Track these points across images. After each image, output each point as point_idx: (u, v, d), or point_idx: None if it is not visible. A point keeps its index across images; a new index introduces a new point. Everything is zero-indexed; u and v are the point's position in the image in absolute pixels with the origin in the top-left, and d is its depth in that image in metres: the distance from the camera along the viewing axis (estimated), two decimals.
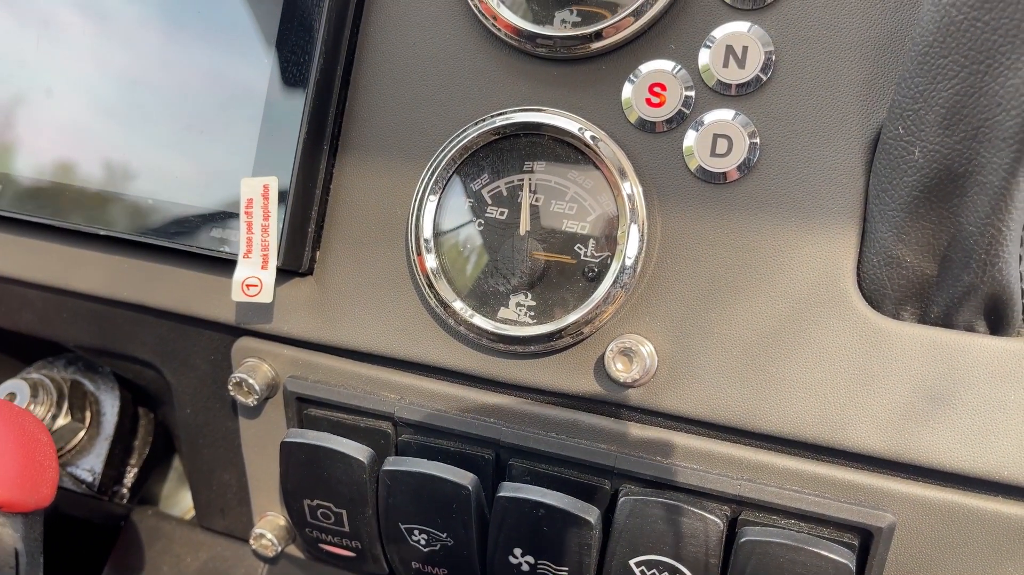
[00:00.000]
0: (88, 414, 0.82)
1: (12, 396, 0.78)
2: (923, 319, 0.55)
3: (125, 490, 0.85)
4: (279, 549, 0.74)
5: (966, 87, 0.48)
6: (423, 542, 0.64)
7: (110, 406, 0.84)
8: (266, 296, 0.63)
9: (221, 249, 0.65)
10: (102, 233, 0.68)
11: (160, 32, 0.67)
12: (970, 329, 0.54)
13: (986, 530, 0.54)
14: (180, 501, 0.97)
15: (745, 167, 0.57)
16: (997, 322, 0.53)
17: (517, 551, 0.61)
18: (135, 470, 0.86)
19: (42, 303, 0.76)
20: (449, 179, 0.62)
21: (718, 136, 0.57)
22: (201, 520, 0.83)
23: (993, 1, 0.46)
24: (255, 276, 0.63)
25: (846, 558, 0.54)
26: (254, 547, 0.74)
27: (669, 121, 0.58)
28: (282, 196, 0.63)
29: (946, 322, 0.54)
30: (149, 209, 0.67)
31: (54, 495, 0.51)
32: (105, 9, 0.69)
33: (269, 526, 0.74)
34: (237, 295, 0.63)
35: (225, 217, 0.65)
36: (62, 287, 0.73)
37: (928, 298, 0.54)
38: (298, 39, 0.63)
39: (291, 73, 0.63)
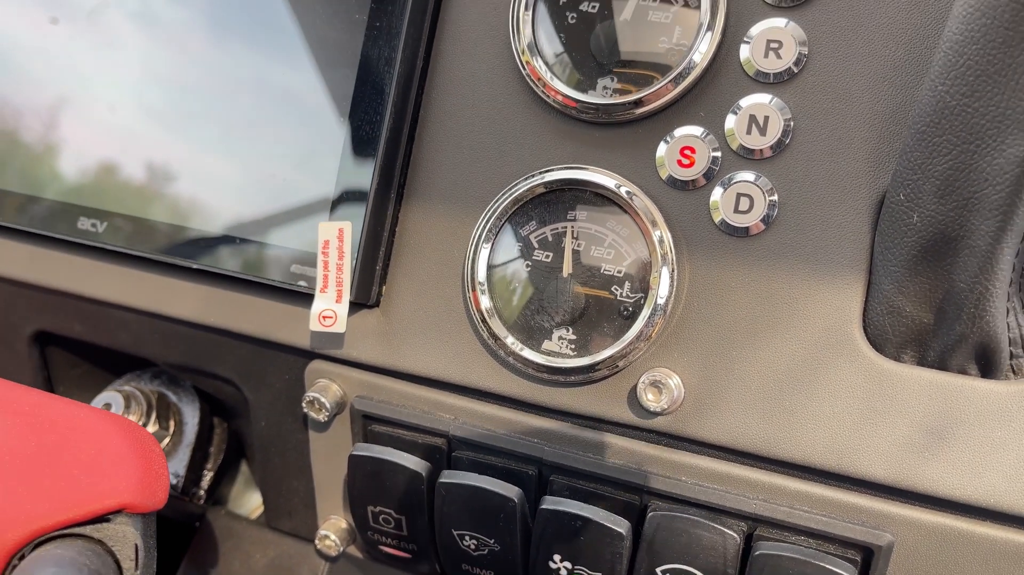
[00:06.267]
0: (172, 423, 0.89)
1: (108, 406, 0.85)
2: (921, 362, 0.60)
3: (202, 491, 0.92)
4: (341, 549, 0.80)
5: (958, 163, 0.53)
6: (472, 547, 0.71)
7: (191, 416, 0.90)
8: (340, 327, 0.71)
9: (299, 283, 0.73)
10: (195, 267, 0.77)
11: (253, 97, 0.76)
12: (963, 372, 0.59)
13: (977, 552, 0.59)
14: (247, 502, 1.04)
15: (764, 223, 0.63)
16: (987, 366, 0.59)
17: (556, 557, 0.67)
18: (211, 474, 0.93)
19: (137, 325, 0.84)
20: (501, 227, 0.69)
21: (741, 195, 0.63)
22: (270, 521, 0.90)
23: (982, 90, 0.51)
24: (330, 308, 0.71)
25: (848, 572, 0.60)
26: (318, 547, 0.81)
27: (697, 180, 0.65)
28: (354, 237, 0.71)
29: (941, 365, 0.59)
30: (237, 247, 0.75)
31: (167, 498, 0.59)
32: (195, 74, 0.78)
33: (333, 528, 0.80)
34: (314, 325, 0.71)
35: (303, 256, 0.73)
36: (157, 312, 0.80)
37: (925, 344, 0.60)
38: (371, 101, 0.71)
39: (365, 131, 0.71)
